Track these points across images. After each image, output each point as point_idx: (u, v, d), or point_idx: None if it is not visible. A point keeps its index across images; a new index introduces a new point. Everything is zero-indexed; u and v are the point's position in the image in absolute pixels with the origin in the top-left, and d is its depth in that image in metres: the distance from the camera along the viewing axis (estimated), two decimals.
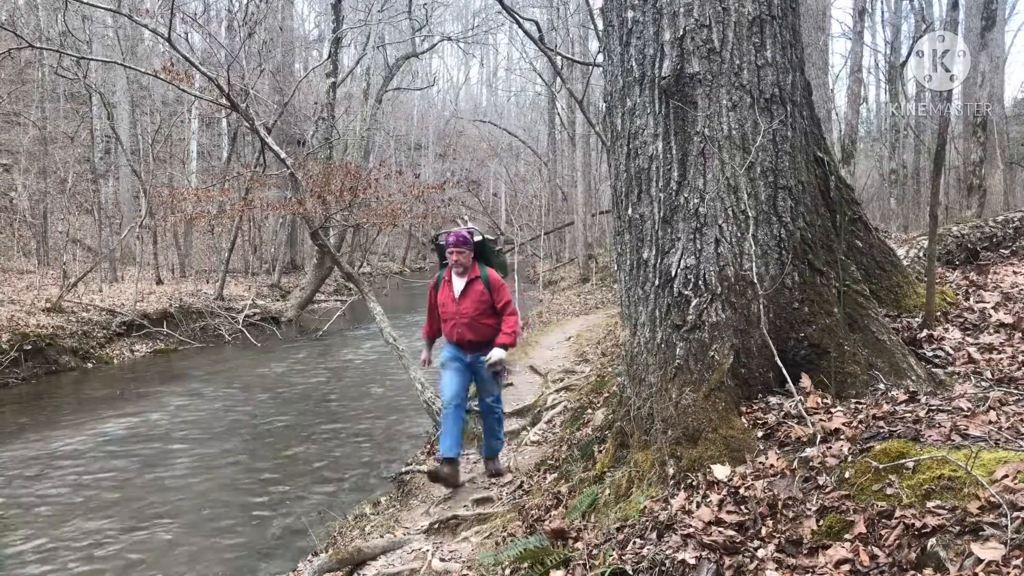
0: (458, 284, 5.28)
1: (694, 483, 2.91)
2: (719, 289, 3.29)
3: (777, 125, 3.40)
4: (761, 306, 3.25)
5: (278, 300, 19.99)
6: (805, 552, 2.33)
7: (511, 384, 8.57)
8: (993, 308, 4.46)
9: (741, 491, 2.71)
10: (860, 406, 3.01)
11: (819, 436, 2.82)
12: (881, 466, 2.40)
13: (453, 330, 5.31)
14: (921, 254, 5.79)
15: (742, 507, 2.65)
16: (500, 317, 5.29)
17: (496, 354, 5.17)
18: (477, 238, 5.35)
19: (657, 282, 3.46)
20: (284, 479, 7.26)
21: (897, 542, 2.12)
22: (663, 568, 2.52)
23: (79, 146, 23.53)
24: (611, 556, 2.73)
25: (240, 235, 20.40)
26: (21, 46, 10.46)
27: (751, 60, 3.38)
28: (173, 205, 17.69)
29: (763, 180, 3.38)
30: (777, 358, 3.18)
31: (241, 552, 5.59)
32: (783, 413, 3.10)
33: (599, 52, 5.86)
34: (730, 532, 2.53)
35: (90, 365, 13.24)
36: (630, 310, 3.69)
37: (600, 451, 4.11)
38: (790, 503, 2.54)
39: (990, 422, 2.68)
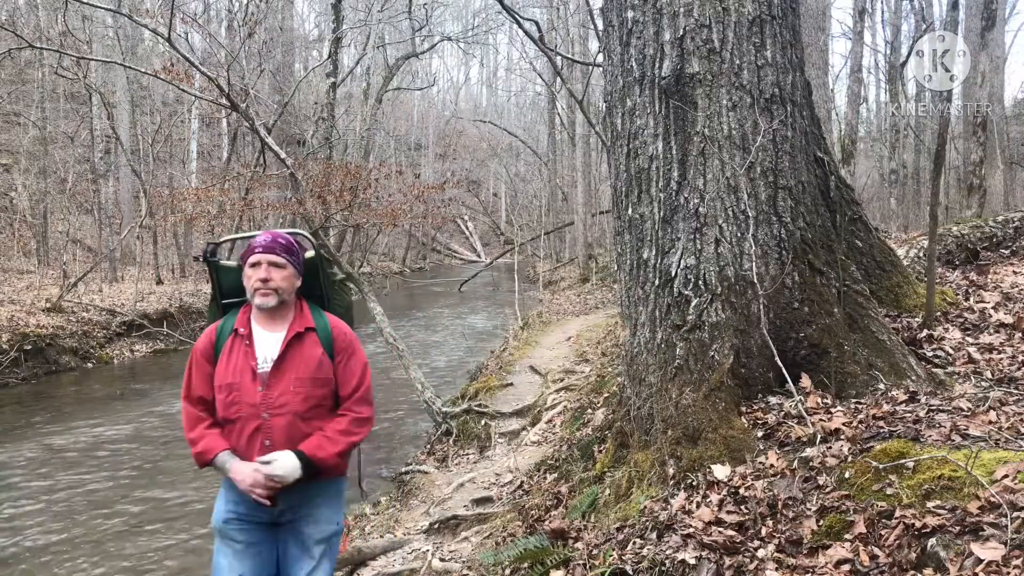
0: (267, 341, 2.58)
1: (694, 483, 2.91)
2: (719, 289, 3.30)
3: (777, 125, 3.40)
4: (761, 306, 3.25)
5: None
6: (805, 552, 2.33)
7: (511, 384, 8.57)
8: (993, 308, 4.46)
9: (741, 491, 2.71)
10: (860, 406, 3.01)
11: (819, 436, 2.82)
12: (881, 466, 2.40)
13: (250, 443, 2.52)
14: (921, 254, 5.78)
15: (742, 507, 2.65)
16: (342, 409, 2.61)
17: (283, 465, 2.46)
18: (309, 253, 2.77)
19: (657, 282, 3.46)
20: None
21: (897, 542, 2.13)
22: (663, 568, 2.52)
23: (79, 146, 23.52)
24: (611, 556, 2.73)
25: None
26: (21, 46, 10.46)
27: (751, 60, 3.38)
28: (173, 205, 17.69)
29: (763, 180, 3.38)
30: (777, 358, 3.18)
31: None
32: (783, 413, 3.10)
33: (599, 52, 5.86)
34: (730, 532, 2.53)
35: (90, 365, 13.23)
36: (630, 310, 3.69)
37: (600, 451, 4.11)
38: (790, 503, 2.54)
39: (990, 422, 2.68)
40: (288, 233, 2.67)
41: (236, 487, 2.49)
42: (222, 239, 3.09)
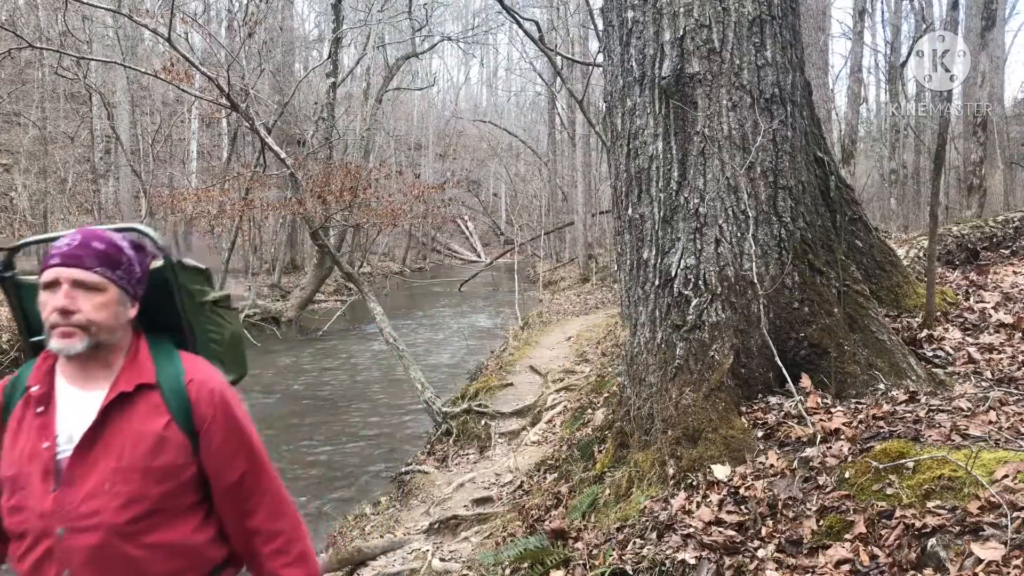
0: (76, 407, 1.55)
1: (694, 483, 2.91)
2: (719, 289, 3.30)
3: (777, 125, 3.41)
4: (761, 306, 3.25)
5: (278, 300, 19.98)
6: (805, 552, 2.33)
7: (511, 384, 8.58)
8: (993, 308, 4.46)
9: (741, 491, 2.71)
10: (860, 406, 3.02)
11: (819, 436, 2.82)
12: (881, 466, 2.40)
13: (38, 572, 1.48)
14: (921, 254, 5.79)
15: (742, 507, 2.65)
16: (247, 537, 1.64)
17: None
18: (156, 263, 1.68)
19: (657, 282, 3.46)
20: (283, 479, 7.25)
21: (897, 542, 2.13)
22: (663, 568, 2.52)
23: (79, 146, 23.53)
24: (611, 556, 2.73)
25: (240, 235, 20.40)
26: (21, 46, 10.47)
27: (751, 60, 3.38)
28: (173, 205, 17.69)
29: (763, 180, 3.38)
30: (777, 358, 3.18)
31: None
32: (783, 413, 3.10)
33: (599, 52, 5.86)
34: (730, 532, 2.53)
35: None
36: (630, 310, 3.69)
37: (600, 451, 4.11)
38: (790, 503, 2.54)
39: (990, 422, 2.68)
40: (116, 230, 1.63)
41: None
42: (22, 241, 1.82)
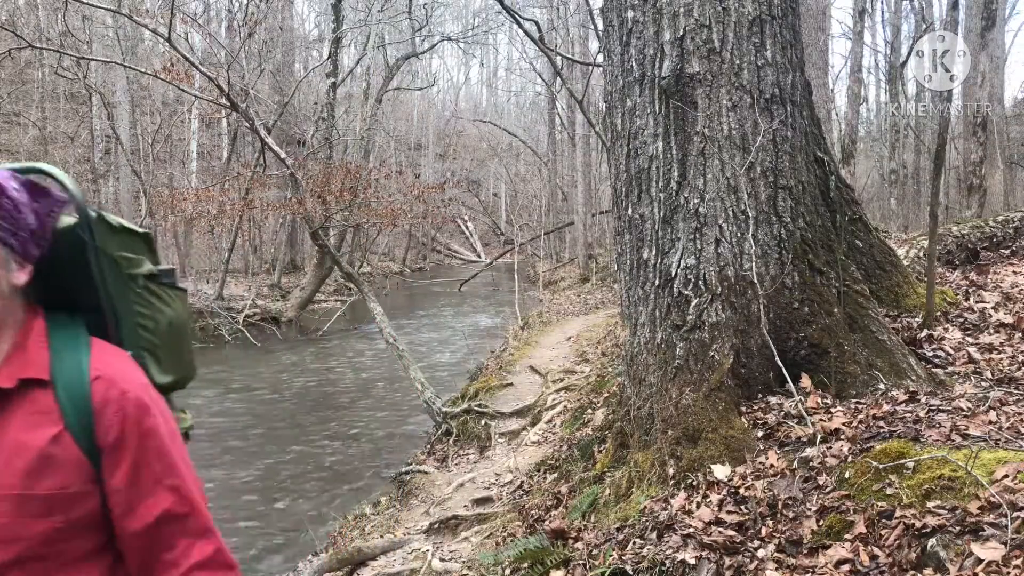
0: None
1: (694, 483, 2.91)
2: (719, 289, 3.30)
3: (777, 125, 3.41)
4: (761, 306, 3.26)
5: (278, 300, 19.98)
6: (805, 552, 2.33)
7: (511, 384, 8.58)
8: (993, 308, 4.46)
9: (741, 491, 2.71)
10: (860, 406, 3.02)
11: (819, 436, 2.82)
12: (881, 466, 2.40)
13: None
14: (921, 254, 5.79)
15: (742, 507, 2.65)
16: None
17: None
18: (68, 219, 1.23)
19: (657, 282, 3.46)
20: (284, 479, 7.26)
21: (897, 542, 2.13)
22: (663, 568, 2.52)
23: (79, 146, 23.54)
24: (611, 556, 2.73)
25: (240, 235, 20.40)
26: (21, 46, 10.48)
27: (751, 60, 3.38)
28: (173, 205, 17.70)
29: (763, 180, 3.38)
30: (777, 358, 3.18)
31: (240, 552, 5.59)
32: (783, 413, 3.10)
33: (599, 52, 5.86)
34: (730, 532, 2.53)
35: None
36: (630, 310, 3.69)
37: (600, 451, 4.11)
38: (790, 503, 2.54)
39: (990, 422, 2.68)
40: (6, 169, 1.16)
41: None
42: None
